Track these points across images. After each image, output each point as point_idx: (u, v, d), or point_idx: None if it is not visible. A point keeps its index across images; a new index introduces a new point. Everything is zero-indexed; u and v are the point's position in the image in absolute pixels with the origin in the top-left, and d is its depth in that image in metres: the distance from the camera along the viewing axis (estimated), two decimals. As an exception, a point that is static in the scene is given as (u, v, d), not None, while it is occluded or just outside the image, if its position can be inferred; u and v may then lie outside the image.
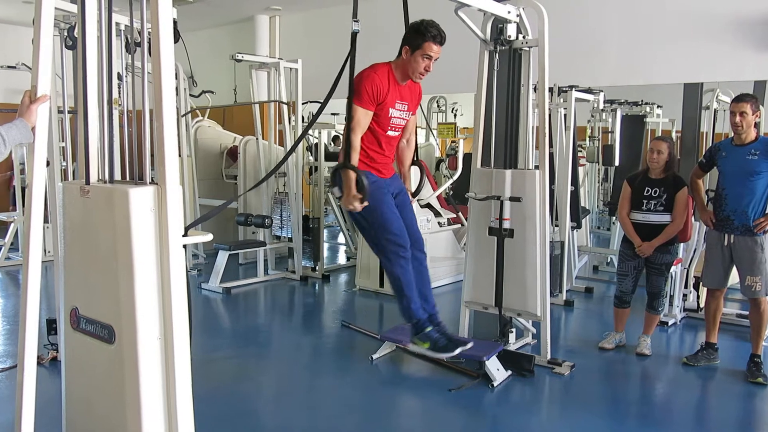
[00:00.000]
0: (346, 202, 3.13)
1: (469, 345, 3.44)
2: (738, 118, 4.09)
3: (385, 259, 3.31)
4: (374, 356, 4.45)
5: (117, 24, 4.57)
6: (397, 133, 3.35)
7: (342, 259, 8.21)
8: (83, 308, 2.36)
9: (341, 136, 3.41)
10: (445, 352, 3.34)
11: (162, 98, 2.10)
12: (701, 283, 4.83)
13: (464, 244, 4.79)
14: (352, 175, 3.09)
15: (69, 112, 4.73)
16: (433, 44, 3.15)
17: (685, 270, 5.38)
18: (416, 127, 3.68)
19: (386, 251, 3.27)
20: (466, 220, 4.86)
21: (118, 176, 2.40)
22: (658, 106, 8.45)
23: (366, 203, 3.11)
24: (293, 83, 6.94)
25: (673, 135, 8.24)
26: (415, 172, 3.85)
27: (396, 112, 3.26)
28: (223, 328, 5.61)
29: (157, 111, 2.12)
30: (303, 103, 7.01)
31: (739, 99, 4.13)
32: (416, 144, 3.72)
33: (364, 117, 3.12)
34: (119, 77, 4.76)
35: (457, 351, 3.34)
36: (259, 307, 6.35)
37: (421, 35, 3.13)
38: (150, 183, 2.20)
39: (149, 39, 2.16)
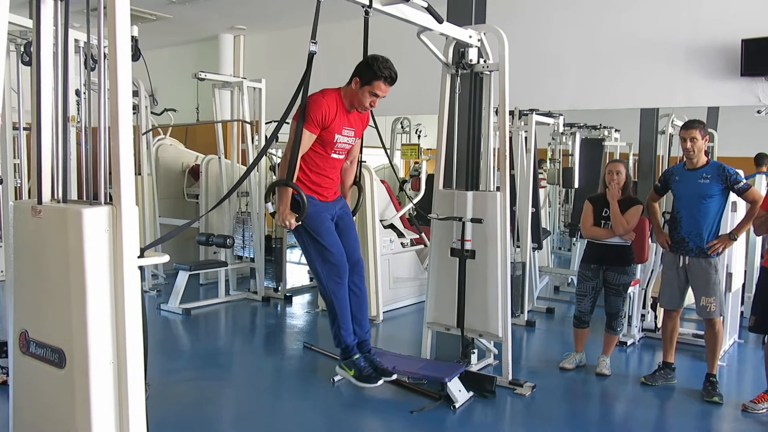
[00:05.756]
0: (279, 219, 3.12)
1: (393, 377, 3.45)
2: (689, 144, 4.21)
3: (322, 282, 3.32)
4: (336, 378, 4.40)
5: (76, 40, 4.51)
6: (341, 156, 3.38)
7: (305, 279, 8.14)
8: (33, 331, 2.28)
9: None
10: (368, 383, 3.33)
11: (118, 116, 2.06)
12: (658, 304, 4.92)
13: (427, 265, 4.81)
14: (289, 191, 3.09)
15: (25, 128, 4.64)
16: (383, 84, 3.18)
17: (643, 291, 5.48)
18: (363, 148, 3.69)
19: (323, 276, 3.28)
20: (429, 240, 4.87)
21: (74, 195, 2.35)
22: (616, 130, 8.66)
23: (300, 222, 3.12)
24: (257, 102, 6.91)
25: (631, 158, 8.44)
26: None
27: (342, 137, 3.28)
28: (183, 350, 5.49)
29: (113, 129, 2.08)
30: (266, 123, 6.98)
31: (688, 126, 4.26)
32: (361, 166, 3.73)
33: (307, 139, 3.13)
34: (77, 94, 4.69)
35: (380, 382, 3.33)
36: (219, 329, 6.24)
37: (372, 73, 3.14)
38: (105, 203, 2.15)
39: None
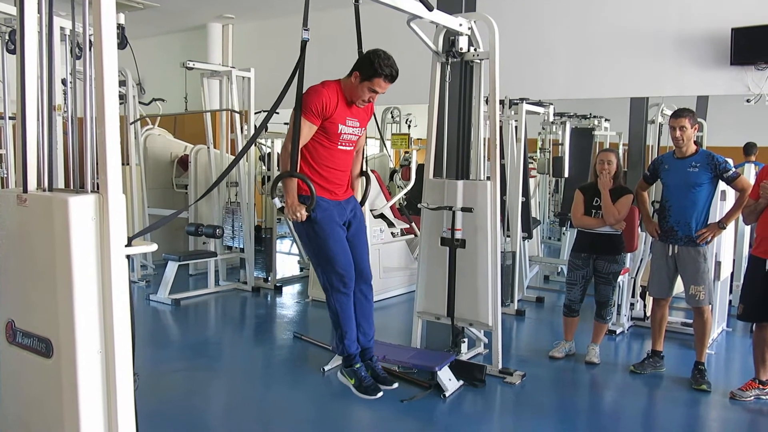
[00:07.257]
0: (290, 212, 3.06)
1: (394, 386, 3.42)
2: (678, 133, 4.21)
3: (326, 290, 3.26)
4: (326, 368, 4.39)
5: (62, 28, 4.45)
6: (349, 148, 3.29)
7: (295, 269, 8.13)
8: (20, 321, 2.26)
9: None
10: (367, 394, 3.28)
11: (104, 104, 2.03)
12: (647, 293, 4.94)
13: (417, 255, 4.81)
14: (295, 182, 3.05)
15: (10, 118, 4.58)
16: (383, 81, 3.11)
17: (632, 279, 5.51)
18: (367, 137, 3.65)
19: (328, 283, 3.22)
20: (419, 230, 4.87)
21: (60, 184, 2.32)
22: (606, 120, 8.67)
23: (310, 213, 3.06)
24: (245, 92, 6.86)
25: (620, 147, 8.45)
26: (362, 181, 3.79)
27: (347, 128, 3.21)
28: (172, 340, 5.47)
29: (99, 117, 2.06)
30: (255, 113, 6.94)
31: (677, 114, 4.25)
32: (366, 155, 3.69)
33: (307, 129, 3.07)
34: (63, 83, 4.63)
35: (380, 395, 3.30)
36: (209, 319, 6.22)
37: (373, 69, 3.07)
38: (92, 191, 2.13)
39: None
